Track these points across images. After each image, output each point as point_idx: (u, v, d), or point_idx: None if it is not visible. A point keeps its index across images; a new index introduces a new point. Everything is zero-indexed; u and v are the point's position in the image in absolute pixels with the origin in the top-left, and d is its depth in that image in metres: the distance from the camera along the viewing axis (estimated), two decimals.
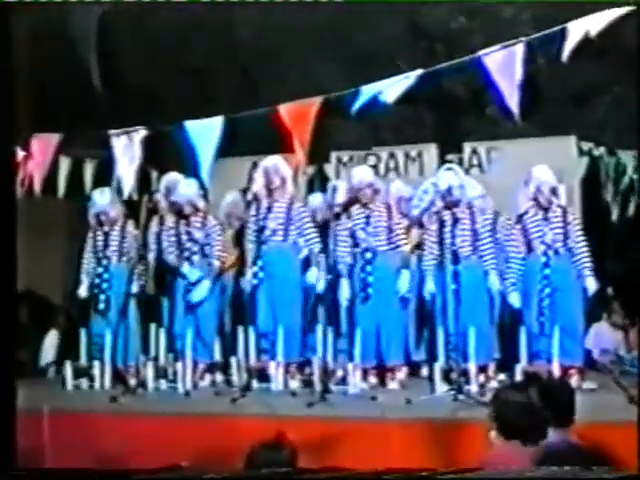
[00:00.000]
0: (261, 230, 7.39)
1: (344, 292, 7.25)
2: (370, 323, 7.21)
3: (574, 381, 6.67)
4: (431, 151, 8.70)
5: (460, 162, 8.41)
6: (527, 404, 4.02)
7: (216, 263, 7.71)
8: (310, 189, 8.65)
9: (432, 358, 7.05)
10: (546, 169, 7.14)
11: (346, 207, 7.38)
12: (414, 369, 7.55)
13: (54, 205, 8.87)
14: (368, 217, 7.32)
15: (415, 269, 7.46)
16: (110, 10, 8.17)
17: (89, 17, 8.42)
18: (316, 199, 7.95)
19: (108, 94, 8.61)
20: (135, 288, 7.74)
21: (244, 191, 7.72)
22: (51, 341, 8.78)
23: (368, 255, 7.30)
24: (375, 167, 8.59)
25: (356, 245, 7.32)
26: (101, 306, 7.83)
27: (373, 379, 7.27)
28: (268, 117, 7.15)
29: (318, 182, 8.66)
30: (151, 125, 7.85)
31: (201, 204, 7.76)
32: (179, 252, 7.69)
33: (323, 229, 7.40)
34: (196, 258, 7.68)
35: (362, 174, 7.47)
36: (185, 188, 7.70)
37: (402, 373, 7.34)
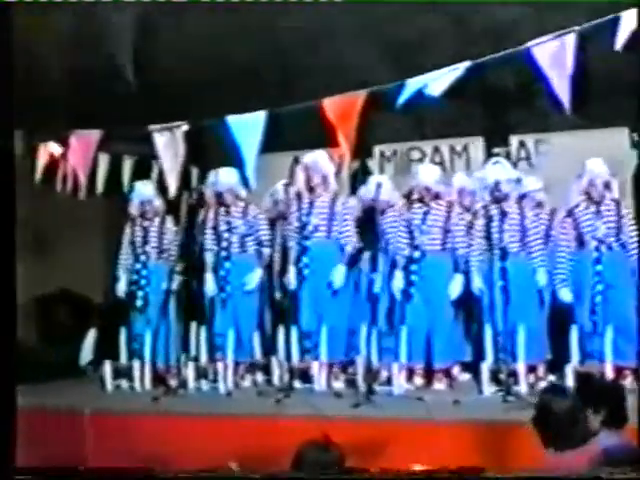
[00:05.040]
0: (304, 226, 7.44)
1: (397, 284, 7.25)
2: (416, 323, 7.22)
3: (628, 382, 6.65)
4: (477, 144, 8.70)
5: (507, 155, 8.39)
6: (569, 411, 4.03)
7: (265, 251, 7.76)
8: (353, 184, 8.66)
9: (480, 358, 7.05)
10: (600, 162, 7.12)
11: (409, 201, 7.42)
12: (462, 370, 7.55)
13: (92, 203, 8.95)
14: (426, 214, 7.33)
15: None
16: (147, 7, 8.26)
17: (125, 15, 8.54)
18: (360, 193, 7.97)
19: (145, 90, 8.70)
20: (175, 285, 7.79)
21: (286, 186, 7.73)
22: (90, 341, 8.84)
23: (416, 254, 7.31)
24: (420, 161, 8.61)
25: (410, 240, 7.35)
26: (139, 304, 7.91)
27: (419, 380, 7.30)
28: (312, 111, 7.22)
29: (361, 177, 8.65)
30: (192, 120, 7.91)
31: (242, 192, 7.82)
32: (217, 244, 7.75)
33: (369, 224, 7.41)
34: (235, 249, 7.74)
35: (424, 174, 7.42)
36: (226, 176, 7.75)
37: (450, 374, 7.36)
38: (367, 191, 7.72)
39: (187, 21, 8.25)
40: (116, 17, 8.50)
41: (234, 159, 7.69)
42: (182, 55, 8.55)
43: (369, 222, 7.44)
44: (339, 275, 7.37)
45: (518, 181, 7.30)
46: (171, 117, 8.03)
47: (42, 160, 8.47)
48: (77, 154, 8.24)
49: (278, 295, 7.75)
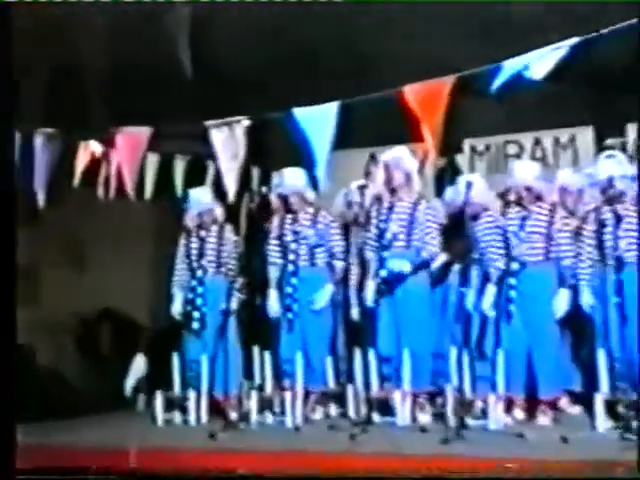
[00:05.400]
0: (382, 234, 7.28)
1: (492, 302, 7.07)
2: (516, 346, 7.00)
3: None
4: (587, 135, 8.51)
5: (623, 148, 8.20)
6: None
7: (338, 264, 7.62)
8: (439, 184, 8.55)
9: (592, 388, 6.78)
10: None
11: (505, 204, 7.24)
12: (570, 401, 7.31)
13: (139, 209, 8.98)
14: (525, 218, 7.11)
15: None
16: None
17: (181, 9, 8.69)
18: (447, 195, 7.78)
19: (201, 83, 8.81)
20: (234, 304, 7.75)
21: (361, 188, 7.62)
22: (139, 368, 8.84)
23: (514, 266, 7.07)
24: (518, 156, 8.50)
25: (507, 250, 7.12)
26: (195, 326, 7.85)
27: (520, 413, 7.07)
28: (391, 101, 7.12)
29: (449, 176, 8.56)
30: (254, 115, 7.87)
31: (310, 196, 7.70)
32: (282, 256, 7.66)
33: (458, 231, 7.22)
34: (303, 262, 7.65)
35: (522, 172, 7.22)
36: (292, 177, 7.66)
37: (556, 406, 7.12)
38: (455, 192, 7.52)
39: (248, 7, 8.29)
40: (170, 7, 8.62)
41: (302, 158, 7.63)
42: (243, 43, 8.59)
43: (458, 229, 7.23)
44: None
45: (627, 178, 6.99)
46: (230, 111, 8.00)
47: (82, 161, 8.52)
48: (123, 154, 8.31)
49: (354, 314, 7.59)
